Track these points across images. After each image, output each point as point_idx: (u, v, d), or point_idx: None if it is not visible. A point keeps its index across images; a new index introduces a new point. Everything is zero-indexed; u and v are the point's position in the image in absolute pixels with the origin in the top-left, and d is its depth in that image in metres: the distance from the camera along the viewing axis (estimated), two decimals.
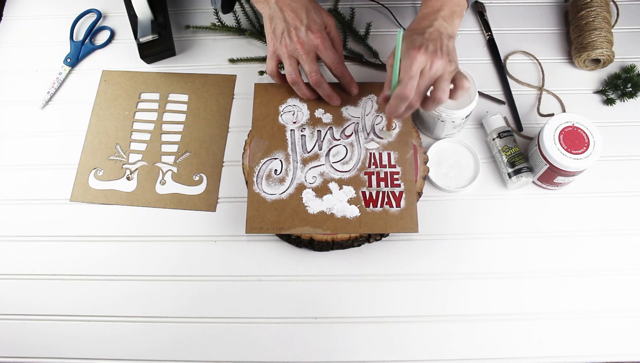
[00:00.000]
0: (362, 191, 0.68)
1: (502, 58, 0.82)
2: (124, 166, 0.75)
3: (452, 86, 0.63)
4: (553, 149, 0.65)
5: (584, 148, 0.65)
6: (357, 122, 0.72)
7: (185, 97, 0.80)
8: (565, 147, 0.65)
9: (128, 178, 0.74)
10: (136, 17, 0.80)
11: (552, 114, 0.77)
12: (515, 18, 0.86)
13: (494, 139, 0.73)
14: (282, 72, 0.71)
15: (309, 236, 0.66)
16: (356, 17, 0.84)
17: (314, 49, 0.67)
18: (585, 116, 0.67)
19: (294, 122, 0.73)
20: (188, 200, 0.73)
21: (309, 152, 0.71)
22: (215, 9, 0.81)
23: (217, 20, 0.84)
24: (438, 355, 0.65)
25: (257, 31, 0.84)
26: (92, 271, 0.70)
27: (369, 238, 0.68)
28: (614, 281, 0.68)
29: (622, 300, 0.67)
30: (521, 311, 0.66)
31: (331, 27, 0.69)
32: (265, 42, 0.82)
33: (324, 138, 0.71)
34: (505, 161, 0.71)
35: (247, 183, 0.70)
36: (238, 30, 0.84)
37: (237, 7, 0.86)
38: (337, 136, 0.71)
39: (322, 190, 0.68)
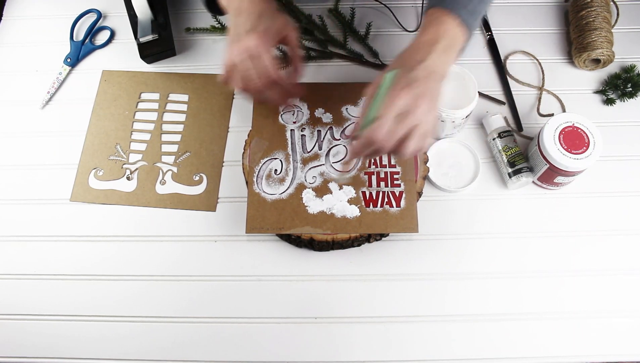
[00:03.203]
0: (362, 191, 0.68)
1: (502, 58, 0.82)
2: (124, 166, 0.75)
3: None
4: (553, 149, 0.65)
5: (584, 148, 0.65)
6: (357, 122, 0.72)
7: (185, 97, 0.80)
8: (565, 147, 0.65)
9: (128, 178, 0.74)
10: (136, 17, 0.80)
11: (552, 114, 0.77)
12: (515, 18, 0.86)
13: (494, 139, 0.73)
14: None
15: (309, 236, 0.66)
16: (356, 17, 0.84)
17: (255, 53, 0.61)
18: (585, 116, 0.67)
19: (294, 122, 0.73)
20: (188, 200, 0.73)
21: (309, 152, 0.71)
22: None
23: (217, 22, 0.84)
24: (437, 355, 0.65)
25: None
26: (92, 271, 0.70)
27: (369, 238, 0.68)
28: (614, 281, 0.68)
29: (622, 300, 0.67)
30: (521, 311, 0.66)
31: (291, 38, 0.65)
32: None
33: (324, 138, 0.72)
34: (505, 161, 0.71)
35: (247, 183, 0.70)
36: None
37: None
38: (337, 136, 0.71)
39: (322, 190, 0.68)
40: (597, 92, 0.79)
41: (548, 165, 0.67)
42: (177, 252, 0.70)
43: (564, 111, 0.78)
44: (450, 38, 0.57)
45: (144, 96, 0.80)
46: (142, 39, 0.79)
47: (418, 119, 0.53)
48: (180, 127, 0.78)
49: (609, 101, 0.78)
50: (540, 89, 0.80)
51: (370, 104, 0.55)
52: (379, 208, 0.67)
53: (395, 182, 0.68)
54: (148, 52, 0.80)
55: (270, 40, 0.62)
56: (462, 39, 0.58)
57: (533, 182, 0.73)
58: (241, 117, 0.78)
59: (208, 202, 0.73)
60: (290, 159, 0.70)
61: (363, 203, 0.67)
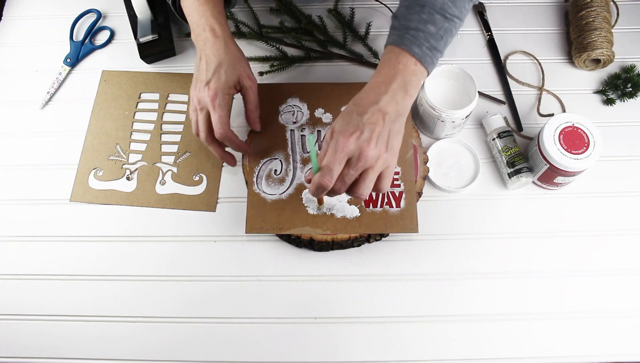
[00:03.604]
0: None
1: (502, 58, 0.82)
2: (124, 166, 0.75)
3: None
4: (553, 149, 0.65)
5: (584, 148, 0.65)
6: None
7: (185, 97, 0.80)
8: (565, 147, 0.65)
9: (128, 178, 0.74)
10: (136, 17, 0.80)
11: (552, 114, 0.77)
12: (515, 18, 0.86)
13: (494, 139, 0.73)
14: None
15: (309, 236, 0.66)
16: (356, 17, 0.84)
17: (205, 106, 0.63)
18: (585, 116, 0.67)
19: (294, 122, 0.73)
20: (188, 200, 0.73)
21: (308, 152, 0.71)
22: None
23: None
24: (437, 355, 0.65)
25: (257, 33, 0.84)
26: (92, 271, 0.70)
27: (368, 238, 0.68)
28: (614, 281, 0.68)
29: (622, 300, 0.67)
30: (521, 311, 0.66)
31: (248, 90, 0.66)
32: (266, 43, 0.83)
33: (324, 138, 0.71)
34: (505, 161, 0.71)
35: (247, 183, 0.70)
36: (238, 33, 0.84)
37: (237, 9, 0.86)
38: None
39: None
40: (597, 92, 0.79)
41: (548, 165, 0.67)
42: (177, 252, 0.70)
43: (564, 111, 0.78)
44: (406, 76, 0.56)
45: (144, 96, 0.80)
46: (142, 39, 0.79)
47: (369, 163, 0.53)
48: (180, 128, 0.78)
49: (609, 101, 0.78)
50: (540, 89, 0.80)
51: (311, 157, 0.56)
52: (378, 208, 0.67)
53: (395, 182, 0.68)
54: (148, 52, 0.81)
55: (222, 97, 0.63)
56: (420, 77, 0.57)
57: (533, 182, 0.73)
58: (241, 117, 0.78)
59: (208, 202, 0.73)
60: (290, 159, 0.70)
61: (363, 203, 0.67)
